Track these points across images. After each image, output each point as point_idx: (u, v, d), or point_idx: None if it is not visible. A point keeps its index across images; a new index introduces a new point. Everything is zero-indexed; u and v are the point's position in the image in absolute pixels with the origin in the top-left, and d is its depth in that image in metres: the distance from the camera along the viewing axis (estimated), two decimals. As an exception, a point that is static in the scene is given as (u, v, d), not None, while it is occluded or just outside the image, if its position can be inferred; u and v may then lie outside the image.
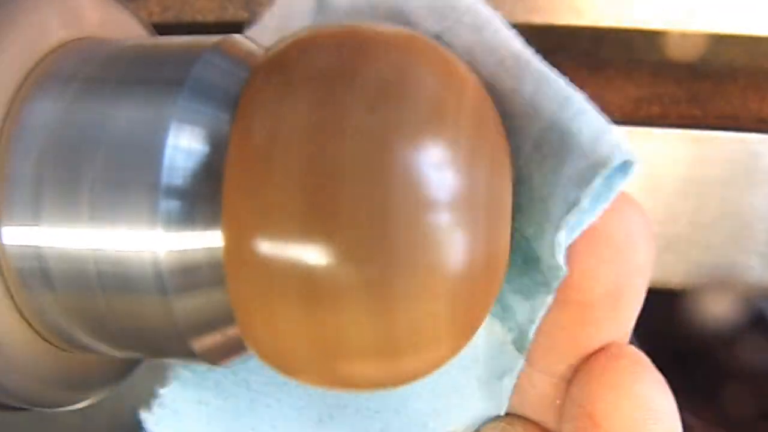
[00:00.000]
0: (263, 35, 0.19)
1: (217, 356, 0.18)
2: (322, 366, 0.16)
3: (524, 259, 0.18)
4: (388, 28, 0.16)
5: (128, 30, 0.21)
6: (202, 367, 0.19)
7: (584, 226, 0.16)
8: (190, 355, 0.18)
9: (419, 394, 0.20)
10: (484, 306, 0.16)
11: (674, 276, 0.38)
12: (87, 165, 0.16)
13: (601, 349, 0.18)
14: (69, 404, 0.20)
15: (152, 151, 0.16)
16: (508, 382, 0.19)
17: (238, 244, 0.15)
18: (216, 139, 0.16)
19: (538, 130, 0.16)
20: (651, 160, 0.38)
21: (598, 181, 0.15)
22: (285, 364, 0.16)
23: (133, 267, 0.16)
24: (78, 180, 0.16)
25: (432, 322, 0.15)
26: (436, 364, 0.17)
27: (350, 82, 0.15)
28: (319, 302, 0.15)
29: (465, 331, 0.16)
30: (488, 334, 0.19)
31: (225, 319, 0.16)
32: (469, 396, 0.20)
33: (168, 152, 0.16)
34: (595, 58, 0.39)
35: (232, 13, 0.38)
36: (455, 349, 0.16)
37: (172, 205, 0.16)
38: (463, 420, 0.20)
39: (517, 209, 0.17)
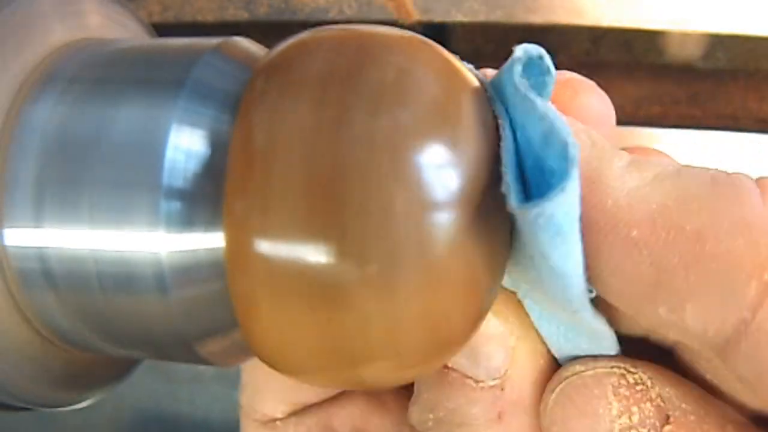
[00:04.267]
0: None
1: (218, 357, 0.18)
2: (324, 365, 0.16)
3: None
4: (389, 30, 0.16)
5: (128, 30, 0.21)
6: None
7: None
8: (191, 355, 0.18)
9: None
10: (486, 301, 0.16)
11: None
12: (88, 166, 0.16)
13: None
14: (69, 404, 0.20)
15: (153, 152, 0.16)
16: None
17: (239, 244, 0.15)
18: (217, 140, 0.16)
19: None
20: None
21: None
22: (286, 365, 0.16)
23: (134, 267, 0.16)
24: (79, 181, 0.16)
25: (435, 319, 0.15)
26: (440, 361, 0.17)
27: (351, 83, 0.15)
28: (322, 302, 0.15)
29: (468, 326, 0.16)
30: None
31: (226, 319, 0.16)
32: None
33: (169, 153, 0.16)
34: (595, 58, 0.39)
35: (232, 13, 0.38)
36: (459, 345, 0.16)
37: (174, 205, 0.16)
38: None
39: None
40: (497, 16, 0.36)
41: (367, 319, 0.15)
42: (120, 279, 0.16)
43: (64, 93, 0.17)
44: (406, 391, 0.20)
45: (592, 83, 0.19)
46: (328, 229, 0.14)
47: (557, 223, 0.14)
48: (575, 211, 0.15)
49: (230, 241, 0.15)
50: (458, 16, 0.37)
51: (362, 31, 0.16)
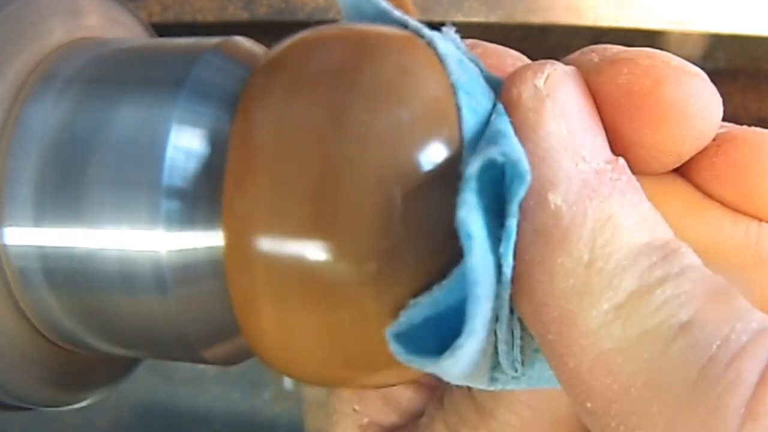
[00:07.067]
0: None
1: (217, 356, 0.18)
2: (324, 364, 0.16)
3: None
4: (388, 29, 0.16)
5: (128, 30, 0.21)
6: None
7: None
8: (191, 354, 0.18)
9: None
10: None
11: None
12: (88, 165, 0.16)
13: None
14: (69, 404, 0.20)
15: (153, 151, 0.16)
16: None
17: (238, 243, 0.15)
18: (216, 139, 0.16)
19: None
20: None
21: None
22: (286, 364, 0.16)
23: (134, 267, 0.16)
24: (79, 180, 0.16)
25: None
26: None
27: (350, 82, 0.15)
28: (321, 300, 0.15)
29: None
30: None
31: (225, 318, 0.16)
32: None
33: (169, 152, 0.16)
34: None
35: (232, 13, 0.38)
36: None
37: (173, 205, 0.16)
38: None
39: None
40: (497, 16, 0.36)
41: (366, 319, 0.15)
42: (120, 278, 0.16)
43: (64, 92, 0.17)
44: None
45: (685, 69, 0.15)
46: (326, 228, 0.14)
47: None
48: (457, 370, 0.14)
49: (229, 239, 0.15)
50: (458, 16, 0.37)
51: (361, 29, 0.16)
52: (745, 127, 0.16)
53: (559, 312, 0.13)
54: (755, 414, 0.12)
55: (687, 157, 0.16)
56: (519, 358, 0.15)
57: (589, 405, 0.13)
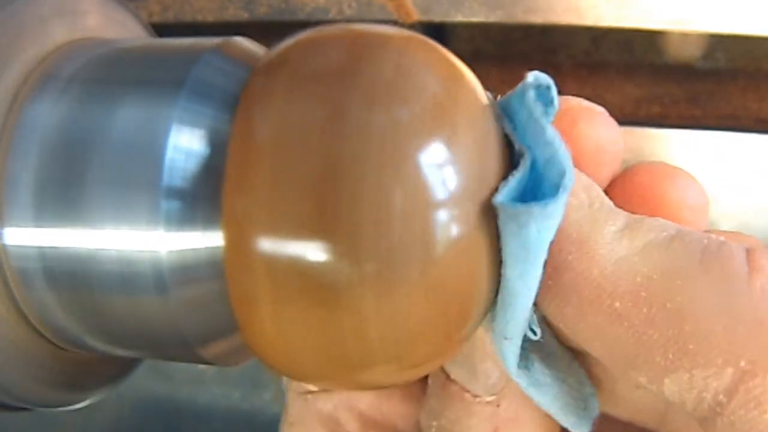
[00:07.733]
0: None
1: (217, 357, 0.18)
2: (323, 366, 0.16)
3: None
4: (388, 28, 0.16)
5: (128, 30, 0.21)
6: None
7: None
8: (191, 354, 0.18)
9: None
10: (485, 300, 0.16)
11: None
12: (88, 165, 0.16)
13: None
14: (69, 404, 0.20)
15: (153, 151, 0.16)
16: None
17: (238, 243, 0.15)
18: (216, 139, 0.16)
19: None
20: (651, 159, 0.38)
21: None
22: (285, 366, 0.16)
23: (134, 267, 0.16)
24: (79, 180, 0.16)
25: (434, 319, 0.15)
26: (440, 360, 0.17)
27: (351, 81, 0.15)
28: (320, 301, 0.15)
29: (467, 326, 0.16)
30: None
31: (225, 319, 0.16)
32: None
33: (168, 153, 0.16)
34: (595, 58, 0.39)
35: (232, 13, 0.38)
36: (459, 344, 0.16)
37: (173, 205, 0.16)
38: None
39: None
40: (497, 16, 0.36)
41: (365, 319, 0.15)
42: (119, 278, 0.16)
43: (64, 93, 0.17)
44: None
45: (594, 110, 0.19)
46: (326, 228, 0.14)
47: (527, 236, 0.15)
48: (548, 236, 0.15)
49: (229, 239, 0.15)
50: (458, 16, 0.37)
51: (361, 29, 0.16)
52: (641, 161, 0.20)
53: (578, 233, 0.16)
54: (756, 267, 0.16)
55: (606, 183, 0.19)
56: (536, 321, 0.17)
57: (618, 305, 0.16)
